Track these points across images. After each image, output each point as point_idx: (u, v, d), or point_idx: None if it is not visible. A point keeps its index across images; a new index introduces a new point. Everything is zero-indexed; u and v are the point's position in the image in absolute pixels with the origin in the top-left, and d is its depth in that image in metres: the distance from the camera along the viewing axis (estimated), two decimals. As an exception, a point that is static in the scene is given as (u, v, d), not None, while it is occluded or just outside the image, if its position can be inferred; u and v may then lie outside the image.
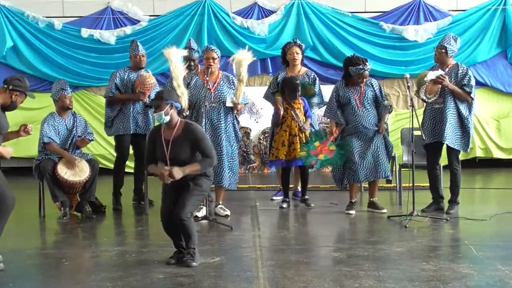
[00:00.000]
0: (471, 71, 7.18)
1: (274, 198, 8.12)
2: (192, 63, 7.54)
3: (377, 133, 7.13)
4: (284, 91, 7.47)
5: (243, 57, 6.98)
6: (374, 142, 7.12)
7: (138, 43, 7.84)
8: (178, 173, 5.04)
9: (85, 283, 4.72)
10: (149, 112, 7.68)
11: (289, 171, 7.75)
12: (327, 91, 7.96)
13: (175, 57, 6.89)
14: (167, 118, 5.12)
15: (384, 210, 7.16)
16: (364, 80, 7.08)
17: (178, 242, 5.21)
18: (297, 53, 7.84)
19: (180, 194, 5.13)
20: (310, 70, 8.18)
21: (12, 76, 5.43)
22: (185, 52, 7.20)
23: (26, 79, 5.34)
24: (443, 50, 6.99)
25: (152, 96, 7.56)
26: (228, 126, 7.02)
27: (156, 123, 5.36)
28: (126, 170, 8.10)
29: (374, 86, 7.20)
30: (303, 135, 7.42)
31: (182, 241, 5.18)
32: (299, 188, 8.05)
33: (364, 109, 7.10)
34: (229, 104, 6.93)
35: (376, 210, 7.21)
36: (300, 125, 7.38)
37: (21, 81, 5.23)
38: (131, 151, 8.00)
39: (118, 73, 7.68)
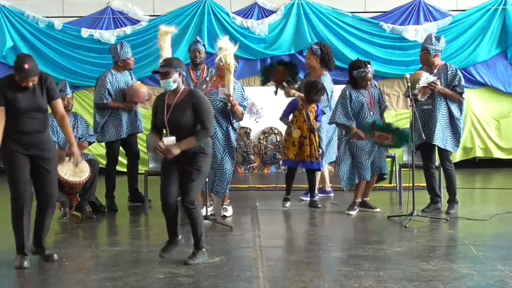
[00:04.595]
0: (472, 71, 7.14)
1: (303, 198, 7.98)
2: (198, 54, 7.57)
3: None
4: (309, 93, 7.40)
5: (227, 46, 6.75)
6: None
7: (128, 45, 7.77)
8: (175, 149, 5.04)
9: (85, 283, 4.72)
10: (138, 111, 7.73)
11: (295, 171, 7.68)
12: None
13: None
14: (174, 86, 5.15)
15: (377, 210, 7.19)
16: (369, 82, 7.07)
17: (173, 227, 5.26)
18: (308, 58, 7.92)
19: (182, 180, 5.16)
20: (327, 75, 7.85)
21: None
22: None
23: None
24: (425, 51, 6.96)
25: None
26: (220, 133, 6.77)
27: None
28: (120, 169, 8.08)
29: (377, 87, 7.26)
30: (314, 137, 7.43)
31: (177, 227, 5.27)
32: (327, 188, 8.19)
33: (374, 112, 7.10)
34: (221, 96, 6.70)
35: (369, 209, 7.23)
36: (310, 127, 7.38)
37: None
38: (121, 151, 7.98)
39: (107, 78, 7.53)
